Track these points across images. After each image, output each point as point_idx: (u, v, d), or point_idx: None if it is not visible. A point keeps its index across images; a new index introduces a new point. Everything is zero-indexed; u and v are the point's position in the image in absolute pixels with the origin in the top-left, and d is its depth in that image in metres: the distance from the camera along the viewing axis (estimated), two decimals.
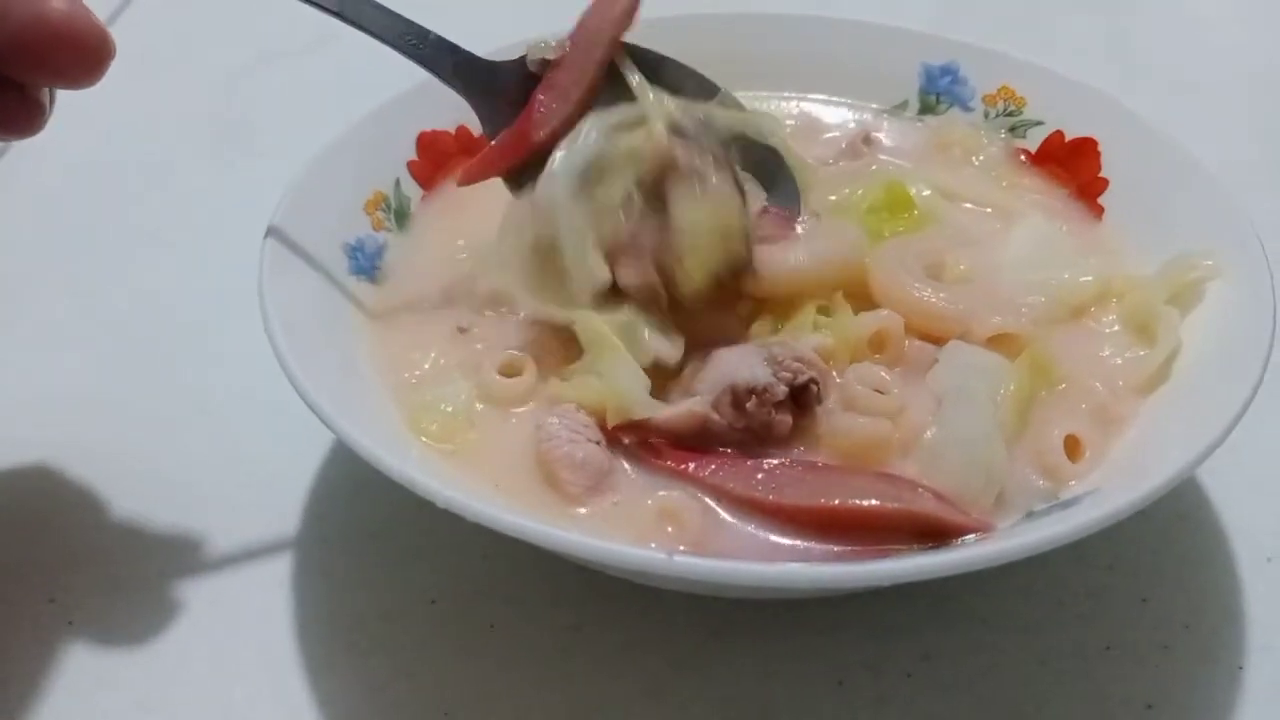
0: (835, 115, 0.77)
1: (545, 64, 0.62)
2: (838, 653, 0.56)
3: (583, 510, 0.53)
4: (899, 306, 0.59)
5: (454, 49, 0.61)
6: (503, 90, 0.62)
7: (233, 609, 0.59)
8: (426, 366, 0.59)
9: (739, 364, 0.55)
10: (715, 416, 0.54)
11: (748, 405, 0.54)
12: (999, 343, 0.58)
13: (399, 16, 0.59)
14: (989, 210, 0.69)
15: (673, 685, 0.55)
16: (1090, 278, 0.63)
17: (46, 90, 0.54)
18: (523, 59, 0.62)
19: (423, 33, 0.60)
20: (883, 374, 0.56)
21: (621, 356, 0.56)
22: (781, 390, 0.54)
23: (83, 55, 0.52)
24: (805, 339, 0.57)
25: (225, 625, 0.58)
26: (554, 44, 0.62)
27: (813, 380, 0.54)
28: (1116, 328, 0.61)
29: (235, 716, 0.54)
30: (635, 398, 0.54)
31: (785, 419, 0.54)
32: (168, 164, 0.91)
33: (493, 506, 0.48)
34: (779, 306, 0.59)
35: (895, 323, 0.58)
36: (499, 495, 0.53)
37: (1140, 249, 0.65)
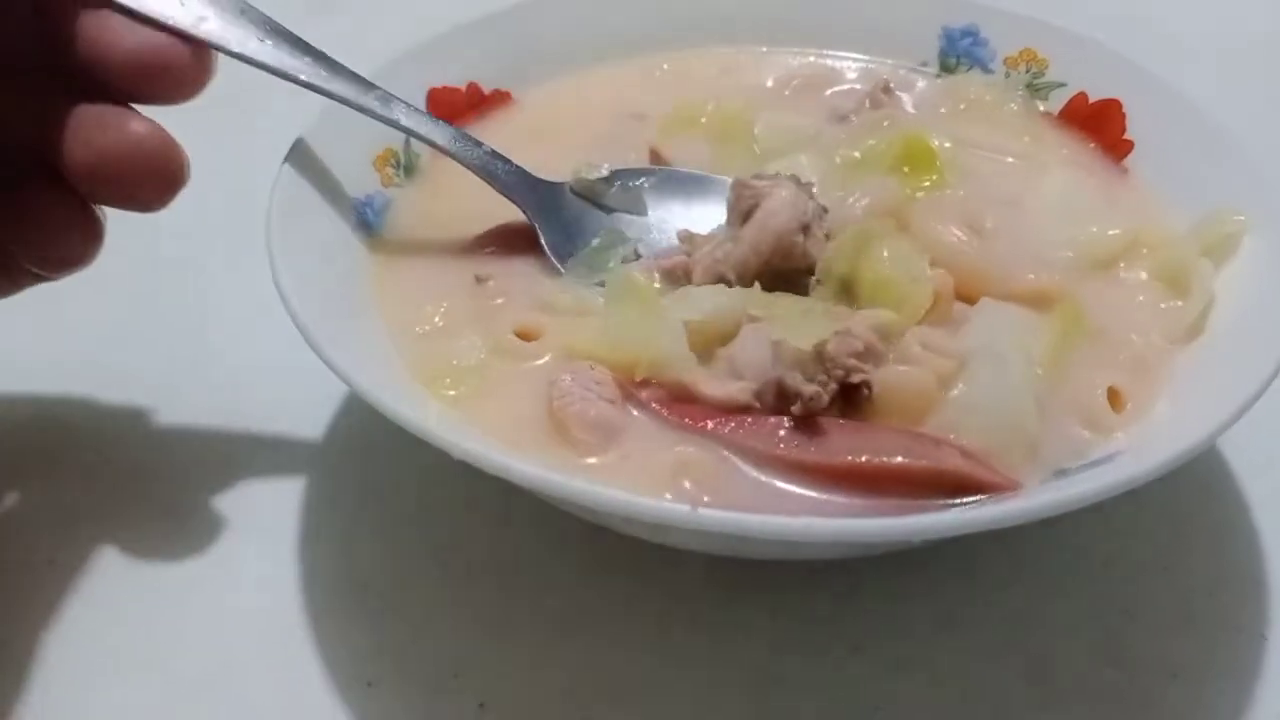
0: (854, 69, 0.76)
1: (589, 185, 0.64)
2: (856, 616, 0.55)
3: (593, 460, 0.52)
4: (943, 262, 0.57)
5: (529, 175, 0.63)
6: (559, 211, 0.63)
7: (239, 569, 0.58)
8: (437, 320, 0.58)
9: (785, 354, 0.52)
10: (757, 406, 0.52)
11: (793, 409, 0.51)
12: (1030, 299, 0.57)
13: (491, 150, 0.63)
14: (1013, 162, 0.68)
15: (687, 647, 0.54)
16: (1118, 230, 0.62)
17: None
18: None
19: (507, 162, 0.63)
20: (936, 337, 0.54)
21: (656, 309, 0.55)
22: (827, 399, 0.51)
23: (160, 179, 0.51)
24: (866, 315, 0.54)
25: (232, 586, 0.57)
26: (600, 168, 0.65)
27: (865, 384, 0.52)
28: (1148, 281, 0.60)
29: (242, 677, 0.53)
30: (675, 354, 0.53)
31: (830, 410, 0.52)
32: (168, 126, 0.89)
33: (512, 458, 0.47)
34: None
35: (946, 283, 0.56)
36: (512, 449, 0.51)
37: (1165, 209, 0.64)
